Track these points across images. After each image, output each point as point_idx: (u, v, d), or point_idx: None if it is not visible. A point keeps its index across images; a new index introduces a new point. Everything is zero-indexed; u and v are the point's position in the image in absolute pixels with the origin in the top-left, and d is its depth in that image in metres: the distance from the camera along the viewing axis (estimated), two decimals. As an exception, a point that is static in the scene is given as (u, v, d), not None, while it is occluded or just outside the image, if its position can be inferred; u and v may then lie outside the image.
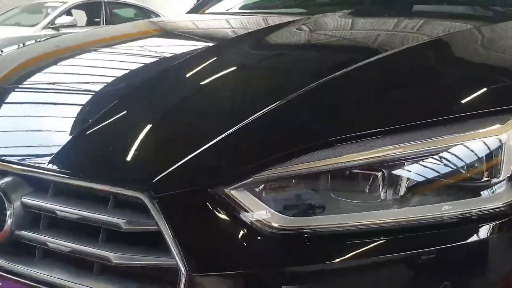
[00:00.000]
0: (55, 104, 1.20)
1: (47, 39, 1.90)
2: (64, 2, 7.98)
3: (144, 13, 9.21)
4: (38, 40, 1.90)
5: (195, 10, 2.55)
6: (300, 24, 1.67)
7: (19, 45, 1.83)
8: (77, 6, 8.30)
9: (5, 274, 0.89)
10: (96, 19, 8.41)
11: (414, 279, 0.82)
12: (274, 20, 1.88)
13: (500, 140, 0.87)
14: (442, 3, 1.95)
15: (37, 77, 1.38)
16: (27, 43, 1.86)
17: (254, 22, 2.05)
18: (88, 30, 2.13)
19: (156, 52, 1.62)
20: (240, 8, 2.45)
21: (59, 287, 0.85)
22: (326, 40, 1.60)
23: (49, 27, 7.40)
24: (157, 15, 9.28)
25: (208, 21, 2.17)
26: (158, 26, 2.17)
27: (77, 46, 1.69)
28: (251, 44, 1.45)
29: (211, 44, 1.59)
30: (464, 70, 1.15)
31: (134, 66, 1.40)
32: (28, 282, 0.87)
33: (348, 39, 1.59)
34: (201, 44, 1.67)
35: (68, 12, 7.95)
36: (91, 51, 1.59)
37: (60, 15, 7.67)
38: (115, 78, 1.26)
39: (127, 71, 1.34)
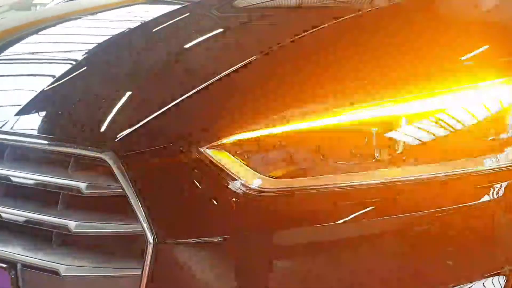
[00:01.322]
0: (20, 71, 1.10)
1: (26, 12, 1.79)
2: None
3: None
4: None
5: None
6: None
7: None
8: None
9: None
10: (87, 16, 8.30)
11: (408, 244, 0.73)
12: None
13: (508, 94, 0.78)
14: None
15: (9, 47, 1.28)
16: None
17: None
18: (71, 1, 2.01)
19: (128, 18, 1.51)
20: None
21: (14, 264, 0.75)
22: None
23: (37, 24, 7.28)
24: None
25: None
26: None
27: (51, 18, 1.59)
28: (224, 6, 1.35)
29: (188, 5, 1.49)
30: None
31: (104, 33, 1.30)
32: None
33: None
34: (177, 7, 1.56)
35: (57, 9, 7.83)
36: (64, 21, 1.49)
37: (49, 11, 7.54)
38: (83, 44, 1.15)
39: (97, 38, 1.23)
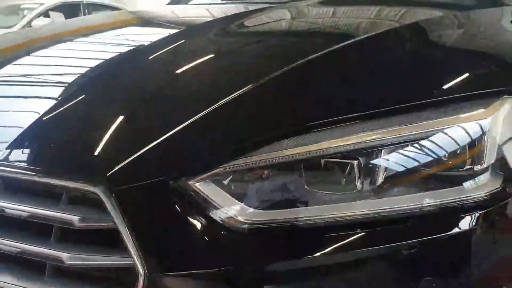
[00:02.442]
0: (12, 96, 1.12)
1: (20, 30, 1.80)
2: (41, 4, 7.84)
3: (123, 14, 9.11)
4: (7, 32, 1.79)
5: (176, 1, 2.48)
6: (271, 12, 1.61)
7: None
8: (55, 8, 8.15)
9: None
10: (75, 21, 8.28)
11: (394, 273, 0.77)
12: (247, 8, 1.82)
13: (482, 126, 0.82)
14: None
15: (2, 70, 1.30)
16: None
17: (234, 9, 1.98)
18: (64, 21, 2.04)
19: (127, 42, 1.54)
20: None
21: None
22: (296, 28, 1.53)
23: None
24: (137, 17, 9.19)
25: (184, 11, 2.10)
26: (135, 16, 2.09)
27: (50, 37, 1.60)
28: (220, 32, 1.39)
29: (182, 34, 1.52)
30: (444, 54, 1.10)
31: (104, 56, 1.32)
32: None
33: (319, 26, 1.52)
34: (172, 34, 1.60)
35: (45, 14, 7.80)
36: (62, 42, 1.51)
37: (37, 17, 7.52)
38: (81, 69, 1.17)
39: (96, 61, 1.25)
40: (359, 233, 0.76)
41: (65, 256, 0.74)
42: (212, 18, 1.74)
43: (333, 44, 1.07)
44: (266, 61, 1.06)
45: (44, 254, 0.75)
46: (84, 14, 8.22)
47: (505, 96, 0.86)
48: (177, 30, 1.52)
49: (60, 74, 1.17)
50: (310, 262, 0.74)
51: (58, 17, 8.23)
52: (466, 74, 0.96)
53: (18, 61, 1.36)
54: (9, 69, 1.28)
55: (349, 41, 1.11)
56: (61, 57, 1.34)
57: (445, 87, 0.90)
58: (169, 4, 2.43)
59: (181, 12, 2.02)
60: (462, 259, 0.79)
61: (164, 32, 1.61)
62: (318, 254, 0.74)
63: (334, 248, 0.74)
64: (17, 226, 0.81)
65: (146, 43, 1.27)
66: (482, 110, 0.83)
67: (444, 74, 0.96)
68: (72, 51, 1.40)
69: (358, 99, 0.88)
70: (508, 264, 0.82)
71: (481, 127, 0.82)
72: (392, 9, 1.59)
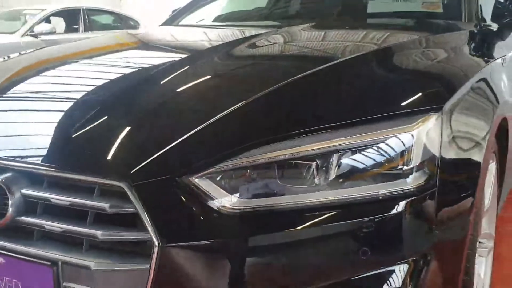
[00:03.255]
0: (47, 110, 1.39)
1: (32, 51, 2.06)
2: (43, 10, 8.07)
3: (121, 19, 9.36)
4: (22, 52, 2.05)
5: (169, 22, 2.76)
6: (266, 37, 1.89)
7: (4, 58, 2.00)
8: (56, 13, 8.39)
9: (8, 253, 1.08)
10: (75, 26, 8.50)
11: (344, 243, 1.03)
12: (243, 33, 2.10)
13: (412, 136, 1.08)
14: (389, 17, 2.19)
15: (29, 87, 1.57)
16: (11, 55, 2.03)
17: (225, 33, 2.27)
18: (71, 43, 2.31)
19: (135, 63, 1.82)
20: (208, 23, 2.67)
21: (56, 262, 1.03)
22: (288, 50, 1.81)
23: (28, 35, 7.48)
24: (135, 21, 9.45)
25: (181, 34, 2.38)
26: (136, 38, 2.36)
27: (62, 57, 1.87)
28: (219, 55, 1.66)
29: (183, 56, 1.80)
30: (398, 76, 1.37)
31: (115, 76, 1.59)
32: (29, 258, 1.06)
33: (307, 49, 1.81)
34: (174, 56, 1.87)
35: (46, 20, 8.02)
36: (75, 62, 1.78)
37: (38, 22, 7.74)
38: (98, 87, 1.44)
39: (109, 80, 1.52)
40: (320, 215, 1.02)
41: (99, 233, 1.00)
42: (205, 41, 2.03)
43: (311, 68, 1.36)
44: (256, 81, 1.34)
45: (83, 232, 1.02)
46: (84, 20, 8.46)
47: (431, 113, 1.13)
48: (180, 55, 1.81)
49: (83, 91, 1.44)
50: (281, 236, 1.01)
51: (58, 23, 8.50)
52: (409, 94, 1.22)
53: (39, 79, 1.63)
54: (29, 87, 1.56)
55: (324, 65, 1.39)
56: (80, 77, 1.61)
57: (391, 105, 1.17)
58: (162, 25, 2.70)
59: (175, 34, 2.29)
60: (395, 233, 1.05)
61: (165, 55, 1.88)
62: (287, 230, 1.01)
63: (299, 225, 1.01)
64: (59, 212, 1.07)
65: (157, 65, 1.55)
66: (413, 124, 1.10)
67: (392, 94, 1.24)
68: (87, 72, 1.67)
69: (322, 114, 1.15)
70: (428, 235, 1.07)
71: (412, 137, 1.09)
72: (373, 33, 1.88)
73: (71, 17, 8.56)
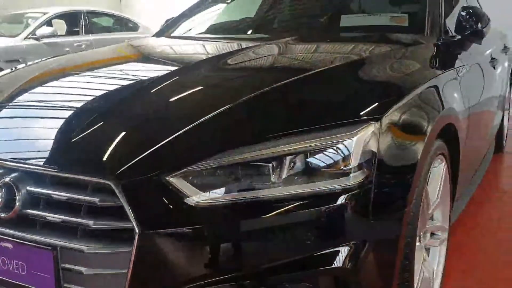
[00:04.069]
0: (48, 118, 1.61)
1: (37, 62, 2.28)
2: (45, 13, 8.28)
3: (121, 21, 9.58)
4: (27, 64, 2.27)
5: (161, 33, 2.98)
6: (252, 49, 2.11)
7: (11, 69, 2.22)
8: (57, 16, 8.59)
9: (16, 240, 1.29)
10: (76, 29, 8.72)
11: (295, 228, 1.24)
12: (231, 46, 2.33)
13: (352, 141, 1.30)
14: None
15: (33, 97, 1.78)
16: (18, 66, 2.24)
17: (210, 46, 2.49)
18: (71, 54, 2.52)
19: (128, 75, 2.04)
20: (199, 33, 2.89)
21: (55, 246, 1.25)
22: (268, 62, 2.03)
23: (30, 38, 7.70)
24: (134, 23, 9.66)
25: (172, 46, 2.60)
26: (132, 50, 2.57)
27: (63, 69, 2.09)
28: (203, 69, 1.89)
29: (171, 68, 2.01)
30: (357, 86, 1.60)
31: (110, 86, 1.81)
32: (33, 244, 1.27)
33: (286, 61, 2.03)
34: (165, 67, 2.10)
35: (48, 23, 8.23)
36: (74, 74, 2.00)
37: (40, 25, 7.95)
38: (94, 97, 1.66)
39: (105, 90, 1.74)
40: (275, 207, 1.23)
41: (91, 223, 1.21)
42: (193, 54, 2.25)
43: (275, 82, 1.57)
44: (227, 94, 1.56)
45: (78, 222, 1.23)
46: (84, 22, 8.67)
47: (371, 122, 1.34)
48: (170, 67, 2.03)
49: (80, 101, 1.66)
50: (241, 225, 1.22)
51: (60, 25, 8.71)
52: (355, 106, 1.44)
53: (47, 89, 1.85)
54: (34, 96, 1.78)
55: (286, 81, 1.60)
56: (78, 87, 1.83)
57: (338, 116, 1.38)
58: (154, 35, 2.92)
59: (166, 46, 2.52)
60: (338, 221, 1.26)
61: (156, 67, 2.10)
62: (246, 219, 1.22)
63: (258, 216, 1.22)
64: (58, 205, 1.29)
65: (147, 77, 1.78)
66: (354, 131, 1.31)
67: (340, 105, 1.46)
68: (85, 83, 1.88)
69: (280, 124, 1.36)
70: (365, 223, 1.29)
71: (353, 142, 1.30)
72: (340, 47, 2.10)
73: (72, 19, 8.77)
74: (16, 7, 9.52)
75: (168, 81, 1.71)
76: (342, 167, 1.29)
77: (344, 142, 1.30)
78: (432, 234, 1.92)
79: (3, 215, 1.31)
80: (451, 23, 2.45)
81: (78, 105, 1.63)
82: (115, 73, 2.04)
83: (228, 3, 3.41)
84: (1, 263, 1.34)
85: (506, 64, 3.89)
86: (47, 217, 1.28)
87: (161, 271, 1.19)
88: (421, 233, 1.72)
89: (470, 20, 2.37)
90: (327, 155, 1.29)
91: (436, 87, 1.79)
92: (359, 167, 1.29)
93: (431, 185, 1.77)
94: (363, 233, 1.29)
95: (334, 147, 1.29)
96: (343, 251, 1.26)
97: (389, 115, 1.40)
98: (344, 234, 1.27)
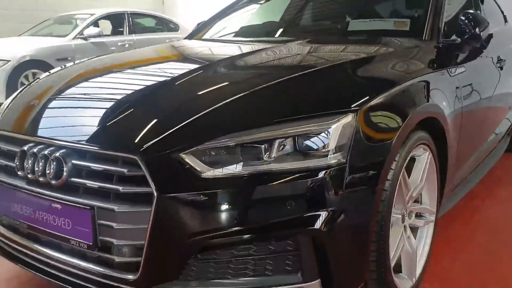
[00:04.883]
0: (90, 108, 1.97)
1: (83, 61, 2.66)
2: (92, 14, 8.83)
3: (162, 22, 10.05)
4: (75, 62, 2.65)
5: (191, 35, 3.33)
6: (267, 50, 2.43)
7: (61, 67, 2.61)
8: (103, 17, 9.14)
9: (63, 202, 1.65)
10: (120, 29, 9.24)
11: (278, 198, 1.53)
12: (248, 47, 2.65)
13: (331, 128, 1.58)
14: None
15: (79, 90, 2.15)
16: (67, 64, 2.63)
17: (233, 48, 2.82)
18: (110, 54, 2.90)
19: (160, 71, 2.38)
20: (225, 35, 3.22)
21: (93, 207, 1.59)
22: (276, 62, 2.33)
23: (78, 38, 8.25)
24: (175, 24, 10.12)
25: (199, 47, 2.94)
26: (165, 51, 2.93)
27: (105, 67, 2.47)
28: (220, 67, 2.21)
29: (196, 66, 2.34)
30: (333, 85, 1.88)
31: (141, 81, 2.15)
32: (76, 205, 1.62)
33: (292, 60, 2.33)
34: (190, 65, 2.43)
35: (95, 23, 8.77)
36: (114, 70, 2.37)
37: (87, 26, 8.50)
38: (128, 89, 2.01)
39: (137, 84, 2.09)
40: (268, 179, 1.53)
41: (120, 188, 1.55)
42: (216, 55, 2.58)
43: (286, 75, 1.92)
44: (234, 88, 1.88)
45: (110, 188, 1.57)
46: (128, 23, 9.19)
47: (349, 113, 1.62)
48: (191, 65, 2.37)
49: (118, 89, 2.02)
50: (238, 192, 1.52)
51: (106, 26, 9.25)
52: (339, 98, 1.73)
53: (87, 84, 2.22)
54: (79, 90, 2.15)
55: (287, 77, 1.90)
56: (117, 82, 2.18)
57: (322, 107, 1.67)
58: (186, 38, 3.28)
59: (195, 48, 2.86)
60: (319, 191, 1.54)
61: (183, 66, 2.44)
62: (243, 188, 1.52)
63: (253, 185, 1.52)
64: (96, 174, 1.63)
65: (174, 73, 2.14)
66: (333, 120, 1.60)
67: (326, 98, 1.75)
68: (123, 78, 2.24)
69: (275, 112, 1.66)
70: (340, 194, 1.56)
71: (332, 129, 1.58)
72: (353, 47, 2.39)
73: (117, 20, 9.31)
74: (64, 9, 10.15)
75: (188, 77, 2.04)
76: (322, 149, 1.58)
77: (325, 129, 1.59)
78: (420, 215, 2.18)
79: (53, 182, 1.66)
80: (452, 27, 2.68)
81: (114, 96, 1.98)
82: (147, 70, 2.39)
83: (260, 3, 3.74)
84: (52, 220, 1.69)
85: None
86: (87, 184, 1.62)
87: (173, 225, 1.51)
88: (405, 212, 1.98)
89: (469, 24, 2.59)
90: (310, 139, 1.58)
91: (421, 84, 2.05)
92: (336, 150, 1.58)
93: (415, 171, 2.03)
94: (338, 203, 1.57)
95: (317, 133, 1.58)
96: (321, 216, 1.54)
97: (366, 107, 1.68)
98: (321, 202, 1.55)
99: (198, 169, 1.53)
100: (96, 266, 1.64)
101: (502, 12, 4.38)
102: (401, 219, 1.95)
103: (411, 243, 2.04)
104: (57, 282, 1.77)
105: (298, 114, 1.63)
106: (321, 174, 1.55)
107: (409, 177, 1.97)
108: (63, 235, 1.68)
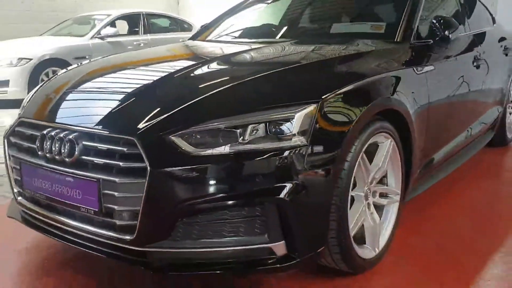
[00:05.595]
0: (98, 99, 2.32)
1: (97, 59, 3.03)
2: (108, 15, 9.26)
3: (176, 22, 10.45)
4: (90, 60, 3.03)
5: (195, 36, 3.68)
6: (257, 49, 2.77)
7: (77, 64, 2.98)
8: (120, 18, 9.56)
9: (75, 175, 2.00)
10: (136, 29, 9.66)
11: (255, 170, 1.85)
12: (243, 47, 2.99)
13: (295, 116, 1.90)
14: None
15: (91, 84, 2.52)
16: (83, 62, 3.00)
17: (228, 48, 3.16)
18: (123, 53, 3.28)
19: (163, 67, 2.74)
20: (230, 37, 3.58)
21: (99, 179, 1.93)
22: (261, 59, 2.67)
23: (95, 37, 8.68)
24: (189, 24, 10.50)
25: (200, 46, 3.29)
26: (170, 51, 3.29)
27: (116, 64, 2.84)
28: (218, 62, 2.57)
29: (192, 63, 2.69)
30: (305, 80, 2.20)
31: (145, 76, 2.51)
32: (85, 178, 1.96)
33: (275, 58, 2.66)
34: (188, 62, 2.78)
35: (112, 23, 9.20)
36: (124, 67, 2.73)
37: (104, 26, 8.92)
38: (133, 82, 2.37)
39: (141, 78, 2.44)
40: (243, 158, 1.85)
41: (121, 164, 1.89)
42: (215, 53, 2.94)
43: (265, 71, 2.25)
44: (220, 81, 2.22)
45: (113, 164, 1.91)
46: (144, 23, 9.60)
47: (311, 103, 1.94)
48: (191, 62, 2.72)
49: (126, 83, 2.38)
50: (218, 167, 1.85)
51: (123, 26, 9.67)
52: (305, 91, 2.05)
53: (99, 79, 2.58)
54: (92, 84, 2.51)
55: (266, 72, 2.23)
56: (127, 77, 2.54)
57: (290, 98, 2.00)
58: (189, 39, 3.63)
59: (197, 48, 3.22)
60: (285, 167, 1.86)
61: (184, 63, 2.78)
62: (221, 163, 1.85)
63: (230, 161, 1.84)
64: (102, 153, 1.97)
65: (174, 70, 2.49)
66: (297, 109, 1.92)
67: (295, 91, 2.07)
68: (133, 73, 2.60)
69: (251, 102, 1.99)
70: (302, 169, 1.88)
71: (296, 116, 1.91)
72: (330, 47, 2.72)
73: (133, 20, 9.72)
74: (82, 10, 10.60)
75: (182, 73, 2.39)
76: (287, 134, 1.90)
77: (290, 117, 1.91)
78: (386, 195, 2.48)
79: (67, 160, 2.01)
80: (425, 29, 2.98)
81: (118, 89, 2.34)
82: (150, 67, 2.75)
83: (263, 4, 4.07)
84: (66, 191, 2.05)
85: (506, 63, 4.29)
86: (94, 161, 1.97)
87: (163, 194, 1.85)
88: (368, 191, 2.29)
89: (439, 27, 2.89)
90: (278, 125, 1.91)
91: (384, 79, 2.36)
92: (299, 134, 1.90)
93: (377, 156, 2.34)
94: (299, 178, 1.88)
95: (284, 120, 1.91)
96: (285, 188, 1.86)
97: (328, 98, 2.00)
98: (285, 176, 1.87)
99: (184, 148, 1.86)
100: (101, 230, 1.99)
101: (491, 14, 4.63)
102: (364, 197, 2.27)
103: (374, 219, 2.35)
104: (71, 245, 2.12)
105: (270, 104, 1.96)
106: (285, 154, 1.87)
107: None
108: (75, 204, 2.03)
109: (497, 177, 4.00)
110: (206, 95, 2.05)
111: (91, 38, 8.67)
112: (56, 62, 7.93)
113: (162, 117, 1.94)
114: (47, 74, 7.85)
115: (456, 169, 3.50)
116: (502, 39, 4.34)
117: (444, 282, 2.28)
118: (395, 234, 2.55)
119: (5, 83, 7.60)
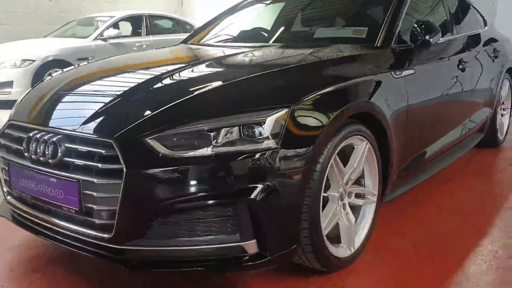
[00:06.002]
0: (84, 101, 2.42)
1: (94, 61, 3.15)
2: (111, 17, 9.38)
3: (179, 23, 10.55)
4: (88, 61, 3.13)
5: (186, 40, 3.78)
6: (239, 54, 2.85)
7: (75, 66, 3.08)
8: (123, 19, 9.68)
9: (57, 176, 2.09)
10: (139, 30, 9.77)
11: (227, 173, 1.92)
12: (229, 51, 3.07)
13: (266, 120, 1.98)
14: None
15: (83, 86, 2.62)
16: (81, 64, 3.11)
17: (216, 51, 3.24)
18: (112, 58, 3.37)
19: (152, 70, 2.83)
20: (219, 41, 3.67)
21: (79, 180, 2.02)
22: (242, 63, 2.75)
23: (98, 39, 8.80)
24: (191, 25, 10.60)
25: (189, 49, 3.38)
26: (162, 54, 3.38)
27: (111, 68, 2.93)
28: (201, 66, 2.65)
29: (181, 66, 2.77)
30: (278, 85, 2.28)
31: (134, 78, 2.61)
32: (66, 179, 2.05)
33: (259, 61, 2.74)
34: (176, 66, 2.86)
35: (115, 25, 9.31)
36: (117, 70, 2.83)
37: (107, 28, 9.04)
38: (120, 85, 2.46)
39: (128, 81, 2.53)
40: (215, 160, 1.94)
41: (100, 165, 1.98)
42: (204, 55, 3.03)
43: (242, 76, 2.33)
44: (202, 83, 2.30)
45: (92, 165, 2.00)
46: (146, 25, 9.71)
47: (283, 108, 2.02)
48: (179, 65, 2.81)
49: (113, 86, 2.47)
50: (193, 169, 1.93)
51: (127, 27, 9.79)
52: (277, 96, 2.13)
53: (91, 81, 2.67)
54: (84, 86, 2.60)
55: (243, 77, 2.31)
56: (116, 80, 2.64)
57: (262, 103, 2.07)
58: (181, 42, 3.73)
59: (187, 51, 3.31)
60: (257, 168, 1.93)
61: (172, 67, 2.85)
62: (196, 165, 1.93)
63: (205, 163, 1.93)
64: (83, 155, 2.06)
65: (162, 71, 2.59)
66: (269, 113, 1.99)
67: (268, 96, 2.15)
68: (122, 76, 2.69)
69: (225, 107, 2.08)
70: (273, 171, 1.95)
71: (267, 120, 1.98)
72: (320, 50, 2.79)
73: (136, 22, 9.84)
74: (87, 12, 10.74)
75: (164, 76, 2.48)
76: (259, 136, 1.98)
77: (262, 121, 1.99)
78: (362, 196, 2.55)
79: (51, 161, 2.11)
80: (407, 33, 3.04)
81: (103, 92, 2.44)
82: (136, 71, 2.84)
83: (253, 9, 4.17)
84: (49, 191, 2.14)
85: (495, 66, 4.33)
86: (75, 162, 2.06)
87: (139, 194, 1.93)
88: (344, 192, 2.37)
89: (420, 32, 2.95)
90: (251, 128, 1.99)
91: (357, 84, 2.43)
92: (270, 137, 1.97)
93: (352, 157, 2.41)
94: (270, 179, 1.96)
95: (256, 124, 1.99)
96: (255, 189, 1.94)
97: (300, 103, 2.08)
98: (256, 178, 1.95)
99: (159, 151, 1.95)
100: (83, 228, 2.08)
101: (483, 17, 4.68)
102: (338, 197, 2.34)
103: (350, 219, 2.42)
104: (56, 243, 2.21)
105: (243, 108, 2.04)
106: (257, 156, 1.95)
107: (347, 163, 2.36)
108: (58, 203, 2.12)
109: (482, 177, 4.05)
110: (183, 99, 2.13)
111: (94, 39, 8.79)
112: (59, 63, 8.06)
113: (140, 120, 2.03)
114: (50, 75, 7.96)
115: (442, 170, 3.56)
116: (492, 41, 4.38)
117: (420, 280, 2.35)
118: (372, 234, 2.62)
119: (9, 84, 7.75)
